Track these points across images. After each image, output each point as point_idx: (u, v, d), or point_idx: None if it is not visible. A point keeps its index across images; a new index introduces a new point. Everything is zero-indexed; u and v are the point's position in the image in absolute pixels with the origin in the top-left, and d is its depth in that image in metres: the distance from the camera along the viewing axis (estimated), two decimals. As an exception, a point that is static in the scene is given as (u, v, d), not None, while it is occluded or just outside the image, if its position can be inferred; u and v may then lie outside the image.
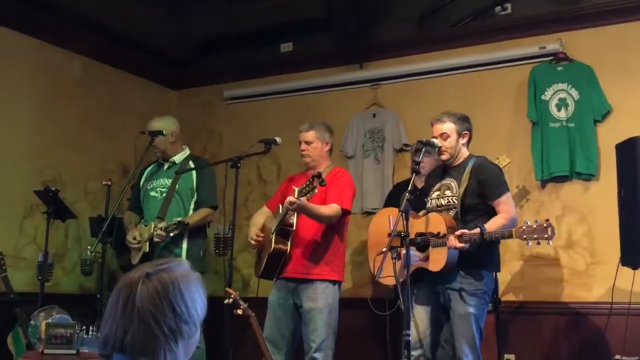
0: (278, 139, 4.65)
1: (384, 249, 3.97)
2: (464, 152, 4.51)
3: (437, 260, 4.16)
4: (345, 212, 4.77)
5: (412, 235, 4.14)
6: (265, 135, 4.78)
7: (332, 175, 4.79)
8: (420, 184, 5.00)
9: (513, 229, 3.93)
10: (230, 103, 7.49)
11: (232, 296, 4.11)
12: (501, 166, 4.81)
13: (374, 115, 6.66)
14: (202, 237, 5.37)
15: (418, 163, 4.27)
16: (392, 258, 3.93)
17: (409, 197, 3.92)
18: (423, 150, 4.38)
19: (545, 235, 3.84)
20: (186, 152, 5.48)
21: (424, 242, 4.21)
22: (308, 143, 4.92)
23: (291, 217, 4.63)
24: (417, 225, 4.24)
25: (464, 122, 4.53)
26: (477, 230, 3.99)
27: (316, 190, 4.13)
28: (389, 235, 3.92)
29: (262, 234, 4.85)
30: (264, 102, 7.22)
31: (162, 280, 2.00)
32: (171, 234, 5.00)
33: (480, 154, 4.60)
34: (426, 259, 4.19)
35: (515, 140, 6.01)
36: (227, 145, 7.32)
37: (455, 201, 4.32)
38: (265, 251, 4.76)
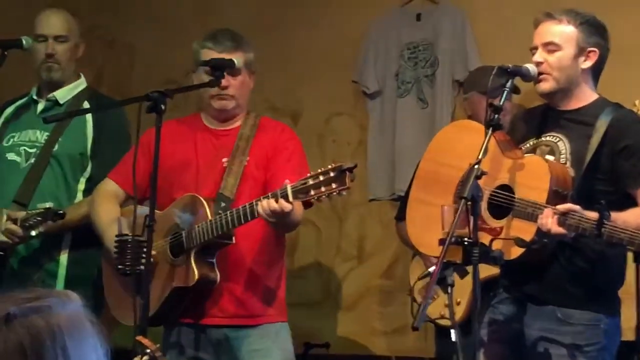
0: (237, 61, 3.88)
1: (430, 269, 3.54)
2: (588, 90, 3.63)
3: (511, 238, 3.49)
4: (307, 206, 3.94)
5: (492, 186, 3.53)
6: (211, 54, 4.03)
7: (271, 136, 3.99)
8: None
9: None
10: None
11: (148, 350, 3.28)
12: None
13: (419, 18, 5.56)
14: (96, 243, 4.26)
15: (499, 109, 3.39)
16: (446, 286, 3.23)
17: (479, 174, 3.23)
18: (509, 84, 3.50)
19: None
20: (81, 83, 4.63)
21: (494, 251, 3.41)
22: (233, 75, 3.95)
23: None
24: (504, 167, 3.57)
25: (594, 32, 3.60)
26: (595, 215, 3.29)
27: (344, 194, 3.43)
28: (441, 242, 3.23)
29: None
30: None
31: (33, 328, 1.71)
32: (33, 233, 4.18)
33: (614, 90, 3.84)
34: (499, 231, 3.52)
35: None
36: (143, 69, 6.24)
37: None
38: (156, 278, 3.88)
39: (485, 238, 3.45)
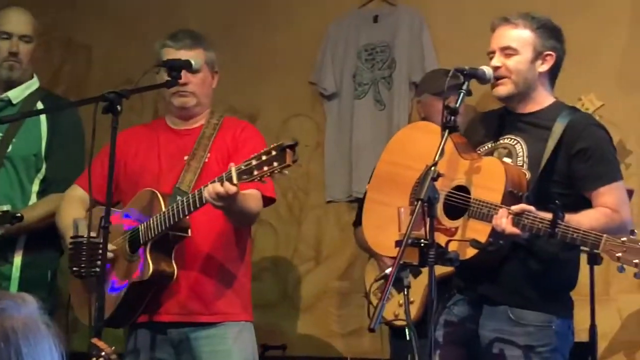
0: (194, 61, 3.84)
1: (387, 271, 3.40)
2: (544, 93, 3.64)
3: (469, 242, 3.49)
4: (267, 203, 3.97)
5: (448, 187, 3.55)
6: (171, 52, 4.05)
7: (232, 133, 4.00)
8: None
9: (604, 237, 3.25)
10: None
11: (103, 353, 3.31)
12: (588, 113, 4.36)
13: (376, 19, 5.64)
14: (51, 245, 4.37)
15: (456, 111, 3.41)
16: (403, 287, 3.30)
17: (435, 175, 3.23)
18: (465, 87, 3.50)
19: None
20: (34, 83, 4.57)
21: (450, 252, 3.41)
22: (192, 71, 3.95)
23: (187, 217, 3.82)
24: (461, 168, 3.56)
25: (550, 36, 3.62)
26: (549, 215, 3.30)
27: (286, 173, 3.35)
28: (397, 244, 3.20)
29: (114, 247, 3.88)
30: None
31: None
32: None
33: (562, 90, 3.81)
34: (454, 231, 3.51)
35: (634, 70, 5.08)
36: (100, 70, 6.25)
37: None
38: (116, 276, 3.89)
39: (440, 238, 3.46)
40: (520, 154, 3.61)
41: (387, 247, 3.44)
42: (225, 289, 3.95)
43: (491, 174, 3.56)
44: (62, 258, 4.63)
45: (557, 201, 3.40)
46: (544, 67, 3.64)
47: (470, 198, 3.49)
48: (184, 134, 3.95)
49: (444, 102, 3.68)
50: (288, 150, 3.33)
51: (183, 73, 3.95)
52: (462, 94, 3.48)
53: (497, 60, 3.59)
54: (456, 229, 3.52)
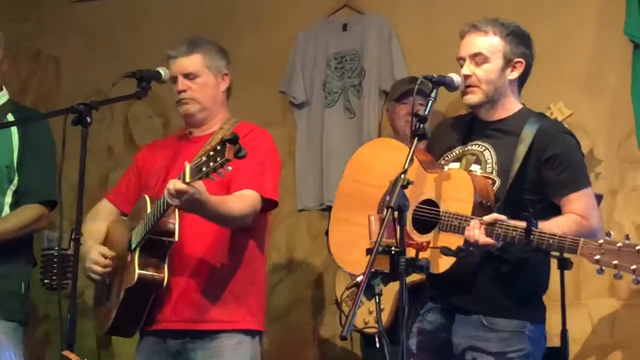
0: (163, 71, 3.90)
1: (358, 279, 3.26)
2: (513, 100, 3.66)
3: (438, 251, 3.49)
4: (268, 205, 3.91)
5: (416, 201, 3.52)
6: (140, 64, 4.07)
7: (241, 137, 3.73)
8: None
9: (581, 241, 3.26)
10: (76, 0, 6.34)
11: None
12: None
13: (345, 28, 5.65)
14: (23, 257, 4.40)
15: (424, 119, 3.43)
16: (374, 295, 3.24)
17: (405, 183, 3.22)
18: (434, 94, 3.53)
19: (633, 267, 3.21)
20: (3, 95, 4.57)
21: (421, 260, 3.37)
22: (190, 77, 3.97)
23: (170, 220, 3.76)
24: (427, 184, 3.57)
25: (520, 42, 3.64)
26: (522, 223, 3.33)
27: (229, 169, 3.36)
28: (368, 252, 3.17)
29: (112, 254, 3.92)
30: (142, 3, 6.20)
31: None
32: None
33: (530, 98, 3.81)
34: (426, 246, 3.51)
35: (601, 77, 5.13)
36: (70, 81, 6.23)
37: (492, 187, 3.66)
38: (116, 284, 3.90)
39: (411, 253, 3.47)
40: (489, 160, 3.60)
41: (355, 264, 3.48)
42: (221, 296, 3.91)
43: (459, 185, 3.57)
44: (34, 270, 4.65)
45: (529, 209, 3.42)
46: (513, 74, 3.64)
47: (439, 211, 3.49)
48: (196, 140, 3.94)
49: (412, 109, 3.66)
50: (228, 144, 3.31)
51: (180, 80, 3.98)
52: (430, 102, 3.49)
53: (467, 69, 3.60)
54: (427, 243, 3.52)
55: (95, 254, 3.93)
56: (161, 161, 4.03)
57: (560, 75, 5.04)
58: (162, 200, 3.67)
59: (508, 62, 3.63)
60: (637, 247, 3.27)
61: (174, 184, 3.51)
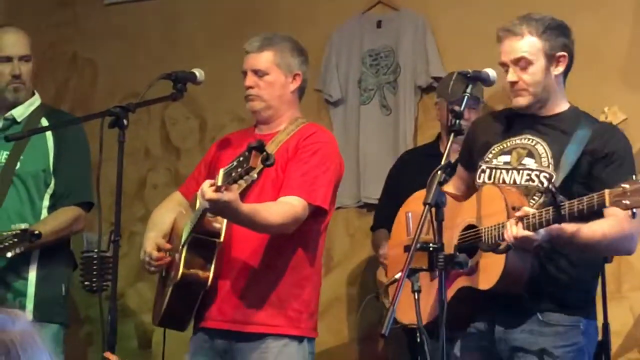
0: (198, 72, 3.91)
1: (396, 276, 3.29)
2: (560, 95, 3.63)
3: (488, 268, 3.45)
4: (318, 213, 3.79)
5: (458, 229, 3.57)
6: (175, 66, 4.06)
7: (299, 138, 3.87)
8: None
9: (606, 192, 3.18)
10: (110, 3, 6.30)
11: None
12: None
13: (379, 24, 5.61)
14: (63, 260, 4.44)
15: (460, 115, 3.42)
16: (413, 291, 3.20)
17: (442, 179, 3.24)
18: (469, 90, 3.49)
19: None
20: (35, 100, 4.60)
21: (470, 246, 3.48)
22: (259, 74, 3.88)
23: (215, 221, 3.70)
24: (465, 210, 3.57)
25: (559, 35, 3.59)
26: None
27: (255, 177, 3.38)
28: (406, 249, 3.27)
29: (168, 247, 3.87)
30: (175, 4, 6.13)
31: None
32: (8, 255, 4.11)
33: (567, 92, 3.75)
34: (473, 270, 3.49)
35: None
36: (106, 84, 6.23)
37: (544, 180, 3.52)
38: (170, 278, 3.85)
39: (461, 281, 3.53)
40: (544, 154, 3.59)
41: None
42: (266, 300, 3.89)
43: (490, 200, 3.58)
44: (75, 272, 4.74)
45: (548, 185, 3.46)
46: (559, 69, 3.63)
47: (480, 229, 3.50)
48: (261, 137, 3.91)
49: (449, 107, 3.65)
50: (254, 152, 3.28)
51: (249, 75, 3.94)
52: (466, 97, 3.48)
53: (512, 76, 3.60)
54: (477, 264, 3.51)
55: (149, 246, 3.94)
56: (226, 158, 3.96)
57: (597, 69, 4.96)
58: (200, 207, 3.71)
59: (551, 59, 3.61)
60: None
61: (204, 190, 3.53)
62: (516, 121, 3.68)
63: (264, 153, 3.27)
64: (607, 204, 3.26)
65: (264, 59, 3.91)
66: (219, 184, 3.44)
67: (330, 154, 3.91)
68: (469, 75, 3.53)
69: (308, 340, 3.86)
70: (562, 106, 3.64)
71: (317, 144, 3.88)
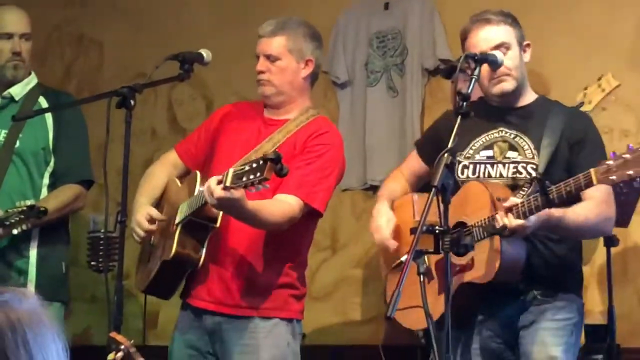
0: (205, 53, 3.83)
1: (402, 258, 3.48)
2: (528, 86, 3.73)
3: (485, 262, 3.47)
4: (313, 213, 3.82)
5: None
6: (182, 47, 4.01)
7: (308, 134, 3.83)
8: None
9: (592, 170, 3.22)
10: None
11: (122, 347, 3.30)
12: (602, 94, 4.59)
13: (386, 7, 5.62)
14: (61, 238, 4.51)
15: (467, 98, 3.39)
16: (419, 274, 3.23)
17: (448, 162, 3.21)
18: (477, 72, 3.48)
19: None
20: (32, 79, 4.64)
21: (465, 238, 3.46)
22: (271, 59, 3.83)
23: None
24: (452, 208, 3.36)
25: (519, 26, 3.73)
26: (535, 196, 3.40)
27: (267, 187, 3.34)
28: (412, 231, 3.25)
29: (161, 218, 3.84)
30: None
31: None
32: (14, 232, 4.14)
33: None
34: (470, 266, 3.52)
35: None
36: (112, 64, 6.27)
37: (531, 171, 3.57)
38: (159, 250, 3.87)
39: (458, 277, 3.55)
40: (526, 146, 3.61)
41: (417, 321, 3.52)
42: (256, 284, 3.90)
43: (475, 195, 3.62)
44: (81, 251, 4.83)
45: (535, 175, 3.52)
46: (526, 57, 3.69)
47: (475, 227, 3.52)
48: (270, 123, 3.91)
49: (456, 88, 3.71)
50: (269, 163, 3.26)
51: (261, 60, 3.91)
52: (473, 80, 3.45)
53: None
54: (472, 260, 3.55)
55: (141, 216, 3.93)
56: (231, 130, 4.00)
57: (605, 50, 4.96)
58: (202, 195, 3.69)
59: (521, 46, 3.67)
60: None
61: (210, 185, 3.53)
62: (487, 114, 3.71)
63: (279, 165, 3.25)
64: (595, 182, 3.28)
65: (276, 44, 3.88)
66: (228, 184, 3.43)
67: (335, 158, 3.90)
68: (476, 57, 3.50)
69: (297, 321, 3.88)
70: (531, 96, 3.68)
71: (326, 147, 3.86)
